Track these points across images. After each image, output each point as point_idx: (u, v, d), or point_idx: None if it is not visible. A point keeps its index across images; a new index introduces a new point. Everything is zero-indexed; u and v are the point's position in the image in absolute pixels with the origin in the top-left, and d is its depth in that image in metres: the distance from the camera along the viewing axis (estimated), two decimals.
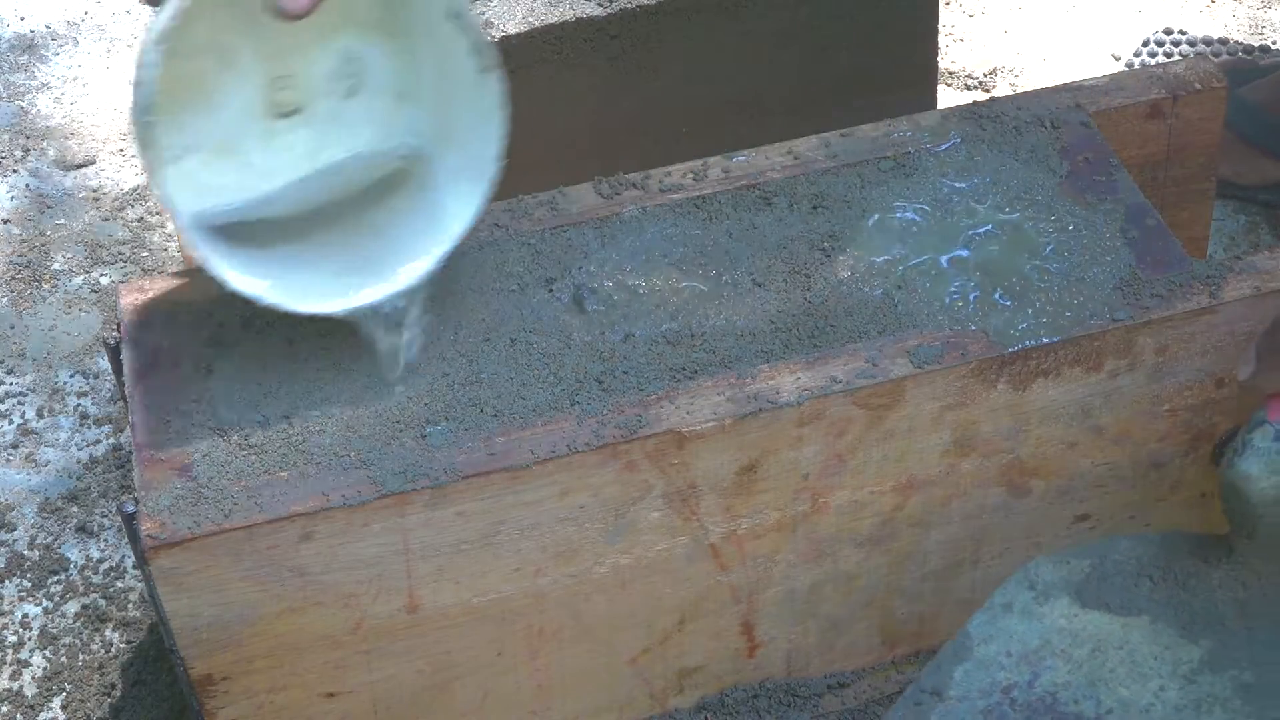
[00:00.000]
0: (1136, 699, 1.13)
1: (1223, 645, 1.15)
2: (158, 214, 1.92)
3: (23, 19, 2.22)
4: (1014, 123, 1.40)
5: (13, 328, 1.81)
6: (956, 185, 1.36)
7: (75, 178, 1.99)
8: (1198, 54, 1.45)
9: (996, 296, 1.28)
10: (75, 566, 1.57)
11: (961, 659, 1.17)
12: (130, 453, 1.56)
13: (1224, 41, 1.99)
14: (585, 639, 1.29)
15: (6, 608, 1.54)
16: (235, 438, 1.20)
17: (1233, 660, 1.14)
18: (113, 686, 1.47)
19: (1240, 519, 1.16)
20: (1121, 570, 1.19)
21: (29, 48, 2.18)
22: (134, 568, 1.55)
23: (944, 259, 1.31)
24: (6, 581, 1.56)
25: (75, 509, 1.62)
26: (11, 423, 1.71)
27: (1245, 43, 2.01)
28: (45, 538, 1.59)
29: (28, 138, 2.05)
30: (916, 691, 1.16)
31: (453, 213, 1.25)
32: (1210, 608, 1.17)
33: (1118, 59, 2.03)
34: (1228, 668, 1.14)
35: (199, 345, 1.27)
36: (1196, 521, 1.39)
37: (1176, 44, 1.96)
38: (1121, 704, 1.13)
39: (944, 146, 1.36)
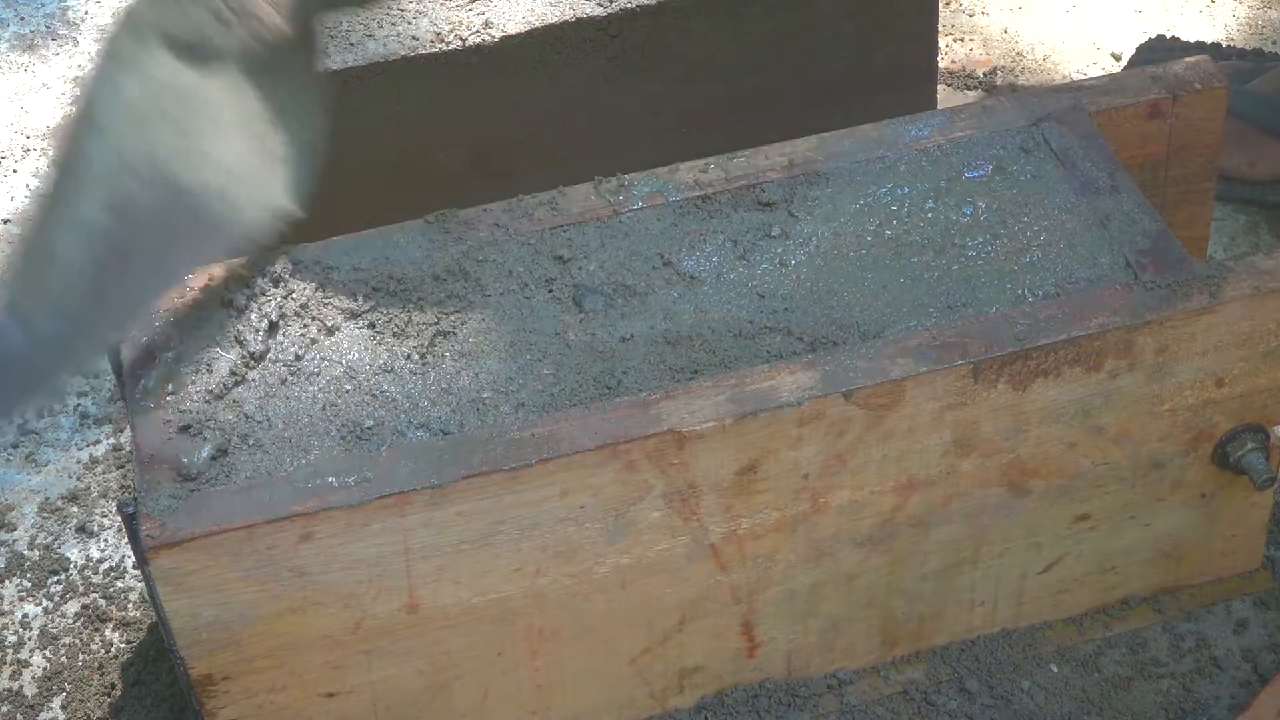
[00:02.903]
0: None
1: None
2: None
3: (22, 19, 2.22)
4: (1014, 123, 1.40)
5: None
6: (956, 184, 1.36)
7: None
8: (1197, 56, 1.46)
9: (996, 296, 1.28)
10: (75, 566, 1.56)
11: (91, 128, 1.17)
12: (130, 453, 1.56)
13: (1219, 46, 1.99)
14: (585, 639, 1.29)
15: (6, 608, 1.53)
16: (235, 438, 1.20)
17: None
18: (113, 686, 1.46)
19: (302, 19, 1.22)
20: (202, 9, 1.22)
21: (29, 48, 2.18)
22: (134, 568, 1.55)
23: (941, 257, 1.31)
24: (6, 581, 1.56)
25: (75, 509, 1.62)
26: (11, 423, 1.70)
27: (1240, 47, 2.01)
28: (45, 538, 1.59)
29: (28, 138, 2.05)
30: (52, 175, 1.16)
31: None
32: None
33: (1118, 59, 2.03)
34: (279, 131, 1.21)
35: (199, 345, 1.27)
36: (1197, 521, 1.39)
37: (1171, 51, 1.96)
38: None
39: (974, 174, 1.36)
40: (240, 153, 1.18)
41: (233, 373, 1.24)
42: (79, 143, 1.17)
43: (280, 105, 1.22)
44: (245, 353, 1.25)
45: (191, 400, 1.22)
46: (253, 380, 1.24)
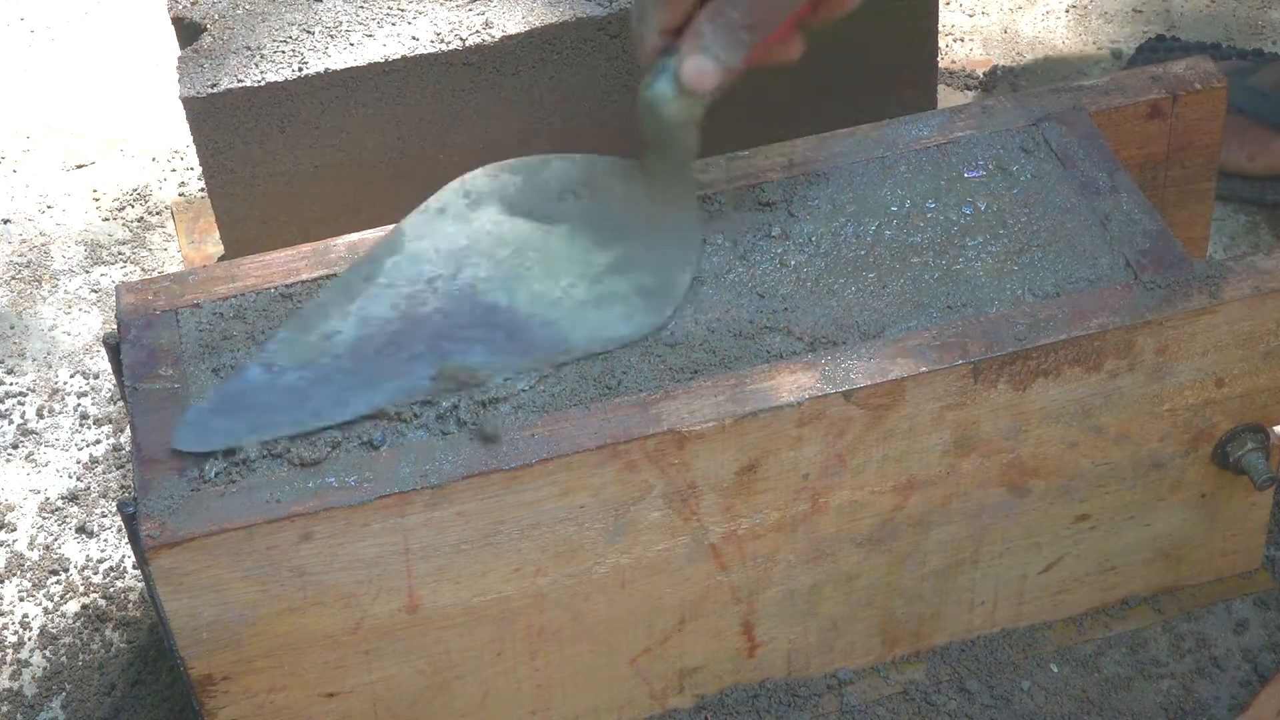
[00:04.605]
0: (548, 293, 1.26)
1: (628, 253, 1.29)
2: (158, 214, 1.92)
3: (22, 19, 2.22)
4: (1014, 123, 1.40)
5: (13, 328, 1.81)
6: (956, 184, 1.36)
7: (75, 178, 1.99)
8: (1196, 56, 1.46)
9: (996, 296, 1.28)
10: (75, 566, 1.56)
11: (394, 252, 1.29)
12: (130, 453, 1.56)
13: (1219, 46, 2.00)
14: (585, 639, 1.29)
15: (6, 608, 1.53)
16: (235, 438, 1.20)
17: (635, 265, 1.28)
18: (113, 686, 1.46)
19: (654, 138, 1.28)
20: (548, 185, 1.32)
21: (29, 48, 2.18)
22: (134, 568, 1.55)
23: (941, 257, 1.31)
24: (6, 581, 1.56)
25: (75, 509, 1.62)
26: (11, 423, 1.70)
27: (1240, 47, 2.01)
28: (45, 538, 1.59)
29: (28, 138, 2.05)
30: (347, 277, 1.28)
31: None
32: (621, 221, 1.31)
33: (1118, 59, 2.03)
34: (630, 271, 1.28)
35: (199, 345, 1.27)
36: (1197, 521, 1.40)
37: (1171, 51, 1.96)
38: (533, 296, 1.26)
39: (974, 174, 1.36)
40: (573, 291, 1.28)
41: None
42: (379, 256, 1.29)
43: (640, 254, 1.30)
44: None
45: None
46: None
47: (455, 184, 1.32)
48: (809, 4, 1.24)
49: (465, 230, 1.30)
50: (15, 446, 1.68)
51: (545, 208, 1.31)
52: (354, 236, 1.35)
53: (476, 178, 1.33)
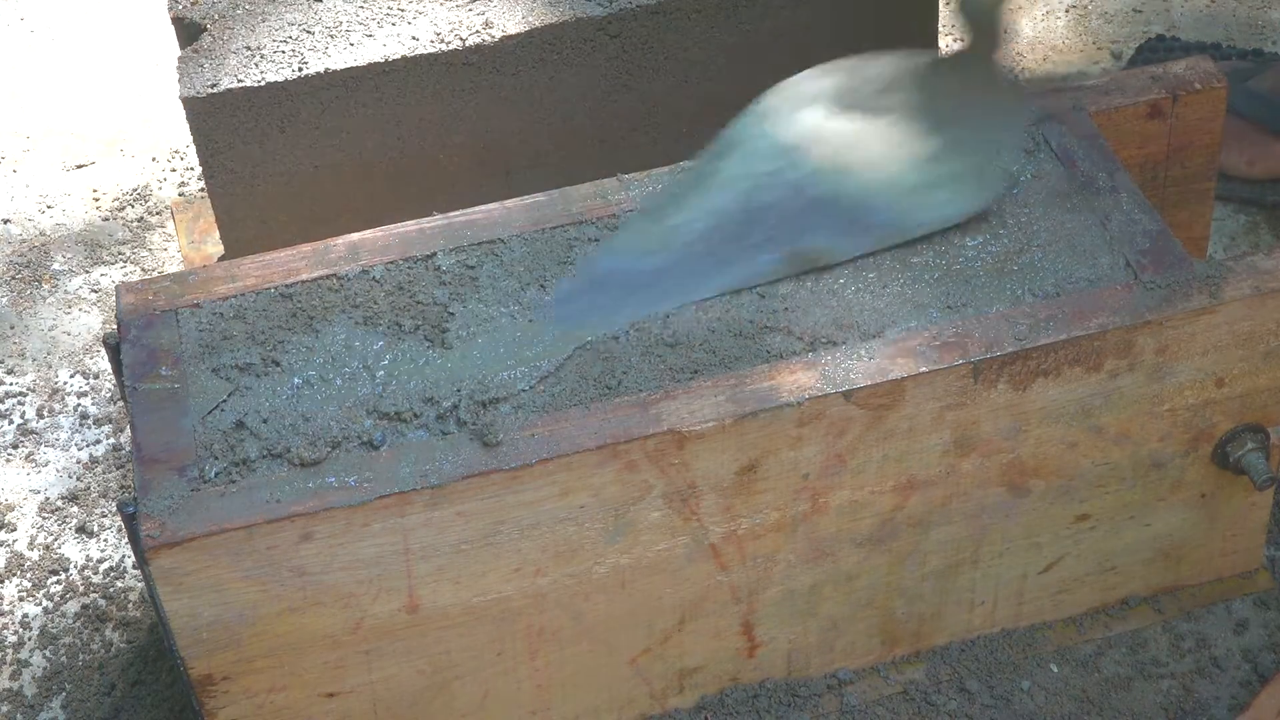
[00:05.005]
0: (877, 180, 1.33)
1: (949, 140, 1.35)
2: (158, 214, 1.92)
3: (22, 19, 2.22)
4: None
5: (13, 328, 1.81)
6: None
7: (75, 178, 1.99)
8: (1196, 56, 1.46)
9: (996, 295, 1.28)
10: (75, 566, 1.57)
11: (729, 153, 1.36)
12: (130, 453, 1.56)
13: (1219, 46, 1.99)
14: (585, 639, 1.29)
15: (6, 608, 1.53)
16: (235, 437, 1.20)
17: (957, 151, 1.34)
18: (113, 686, 1.46)
19: (973, 23, 1.36)
20: (871, 82, 1.38)
21: (29, 48, 2.18)
22: (134, 568, 1.55)
23: (941, 258, 1.31)
24: (6, 581, 1.56)
25: (75, 509, 1.62)
26: (11, 423, 1.71)
27: (1240, 47, 2.01)
28: (45, 538, 1.59)
29: (28, 138, 2.05)
30: (686, 178, 1.35)
31: None
32: (941, 110, 1.37)
33: (1118, 59, 2.03)
34: (953, 157, 1.34)
35: (199, 345, 1.27)
36: (1197, 521, 1.39)
37: (1171, 51, 1.96)
38: (863, 185, 1.33)
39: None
40: (902, 178, 1.34)
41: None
42: (717, 155, 1.36)
43: (961, 136, 1.36)
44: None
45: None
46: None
47: (778, 88, 1.39)
48: None
49: (793, 130, 1.36)
50: (15, 446, 1.68)
51: (869, 103, 1.37)
52: (354, 236, 1.35)
53: (797, 83, 1.39)
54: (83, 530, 1.60)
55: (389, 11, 1.61)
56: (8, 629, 1.52)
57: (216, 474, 1.18)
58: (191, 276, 1.33)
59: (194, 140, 1.58)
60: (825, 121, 1.36)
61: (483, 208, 1.37)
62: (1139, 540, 1.39)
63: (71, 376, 1.75)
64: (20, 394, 1.73)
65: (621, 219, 1.33)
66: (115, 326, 1.34)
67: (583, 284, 1.29)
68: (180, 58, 1.59)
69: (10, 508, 1.62)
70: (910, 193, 1.32)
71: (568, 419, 1.20)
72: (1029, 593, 1.39)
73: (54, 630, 1.51)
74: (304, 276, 1.32)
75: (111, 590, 1.54)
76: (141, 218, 1.92)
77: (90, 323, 1.81)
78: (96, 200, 1.95)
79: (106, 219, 1.93)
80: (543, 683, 1.31)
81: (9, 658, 1.50)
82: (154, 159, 2.00)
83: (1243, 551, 1.44)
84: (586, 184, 1.38)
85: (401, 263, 1.33)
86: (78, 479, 1.65)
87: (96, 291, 1.84)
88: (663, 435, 1.19)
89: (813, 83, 1.39)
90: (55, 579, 1.56)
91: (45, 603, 1.54)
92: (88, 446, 1.68)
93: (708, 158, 1.36)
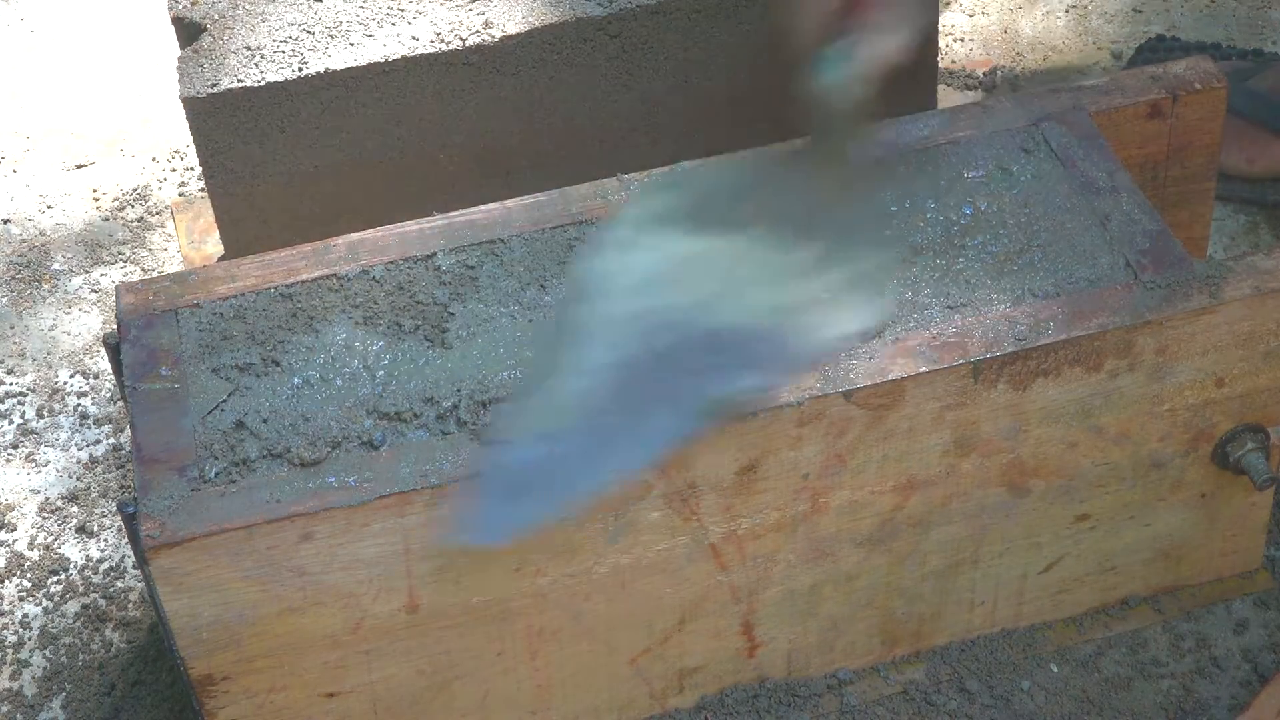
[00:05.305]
0: (766, 302, 1.23)
1: (830, 245, 1.27)
2: (158, 214, 1.92)
3: (22, 19, 2.22)
4: (1014, 123, 1.40)
5: (13, 328, 1.81)
6: (956, 184, 1.36)
7: (75, 178, 1.99)
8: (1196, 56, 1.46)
9: (996, 295, 1.28)
10: (75, 566, 1.56)
11: (592, 294, 1.24)
12: (130, 453, 1.56)
13: (1219, 46, 1.99)
14: (585, 639, 1.29)
15: (6, 608, 1.53)
16: (235, 437, 1.20)
17: (842, 255, 1.26)
18: (113, 686, 1.46)
19: (824, 127, 1.27)
20: (716, 193, 1.30)
21: (29, 48, 2.18)
22: (134, 568, 1.55)
23: (941, 258, 1.31)
24: (6, 581, 1.56)
25: (75, 509, 1.62)
26: (11, 423, 1.70)
27: (1240, 47, 2.01)
28: (45, 538, 1.59)
29: (28, 138, 2.05)
30: (563, 314, 1.23)
31: None
32: (811, 212, 1.28)
33: (1118, 59, 2.03)
34: (840, 263, 1.25)
35: (199, 345, 1.27)
36: (1197, 521, 1.39)
37: (1171, 51, 1.96)
38: (750, 309, 1.22)
39: (974, 174, 1.36)
40: (791, 293, 1.24)
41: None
42: (569, 306, 1.25)
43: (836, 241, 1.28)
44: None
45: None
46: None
47: (609, 218, 1.29)
48: None
49: (655, 257, 1.25)
50: (15, 446, 1.68)
51: (723, 216, 1.28)
52: (354, 236, 1.35)
53: (628, 206, 1.29)
54: (83, 530, 1.59)
55: (389, 11, 1.61)
56: (8, 629, 1.52)
57: (216, 474, 1.18)
58: (191, 276, 1.33)
59: (194, 140, 1.58)
60: (686, 242, 1.26)
61: (483, 208, 1.37)
62: (1139, 540, 1.39)
63: (71, 376, 1.75)
64: (20, 394, 1.73)
65: (515, 386, 1.21)
66: (115, 326, 1.34)
67: (496, 491, 1.17)
68: (180, 58, 1.59)
69: (10, 508, 1.62)
70: (809, 309, 1.23)
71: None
72: (1029, 593, 1.39)
73: (54, 630, 1.51)
74: (304, 276, 1.32)
75: (111, 590, 1.54)
76: (141, 218, 1.92)
77: (90, 323, 1.81)
78: (96, 200, 1.95)
79: (106, 219, 1.93)
80: (543, 683, 1.31)
81: (9, 658, 1.50)
82: (154, 159, 2.00)
83: (1243, 551, 1.44)
84: (586, 184, 1.38)
85: (401, 263, 1.33)
86: (78, 479, 1.65)
87: (96, 291, 1.84)
88: None
89: (650, 202, 1.29)
90: (55, 579, 1.56)
91: (45, 603, 1.54)
92: (88, 446, 1.68)
93: (565, 303, 1.25)
